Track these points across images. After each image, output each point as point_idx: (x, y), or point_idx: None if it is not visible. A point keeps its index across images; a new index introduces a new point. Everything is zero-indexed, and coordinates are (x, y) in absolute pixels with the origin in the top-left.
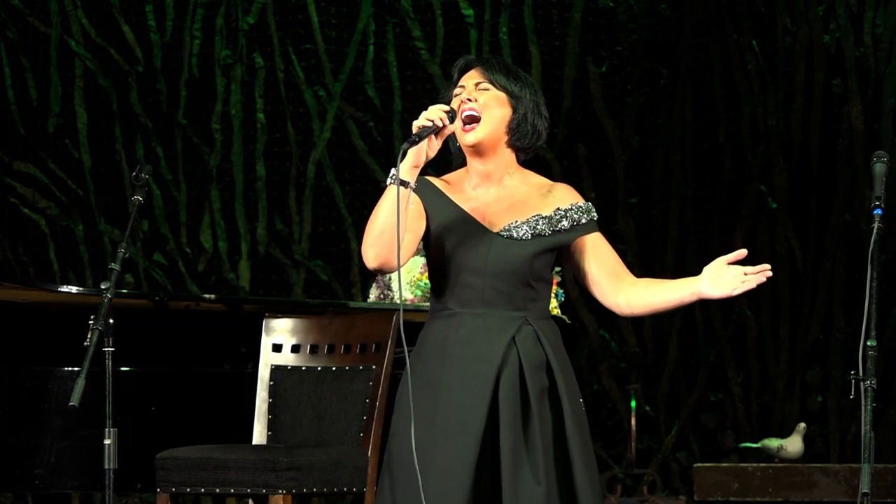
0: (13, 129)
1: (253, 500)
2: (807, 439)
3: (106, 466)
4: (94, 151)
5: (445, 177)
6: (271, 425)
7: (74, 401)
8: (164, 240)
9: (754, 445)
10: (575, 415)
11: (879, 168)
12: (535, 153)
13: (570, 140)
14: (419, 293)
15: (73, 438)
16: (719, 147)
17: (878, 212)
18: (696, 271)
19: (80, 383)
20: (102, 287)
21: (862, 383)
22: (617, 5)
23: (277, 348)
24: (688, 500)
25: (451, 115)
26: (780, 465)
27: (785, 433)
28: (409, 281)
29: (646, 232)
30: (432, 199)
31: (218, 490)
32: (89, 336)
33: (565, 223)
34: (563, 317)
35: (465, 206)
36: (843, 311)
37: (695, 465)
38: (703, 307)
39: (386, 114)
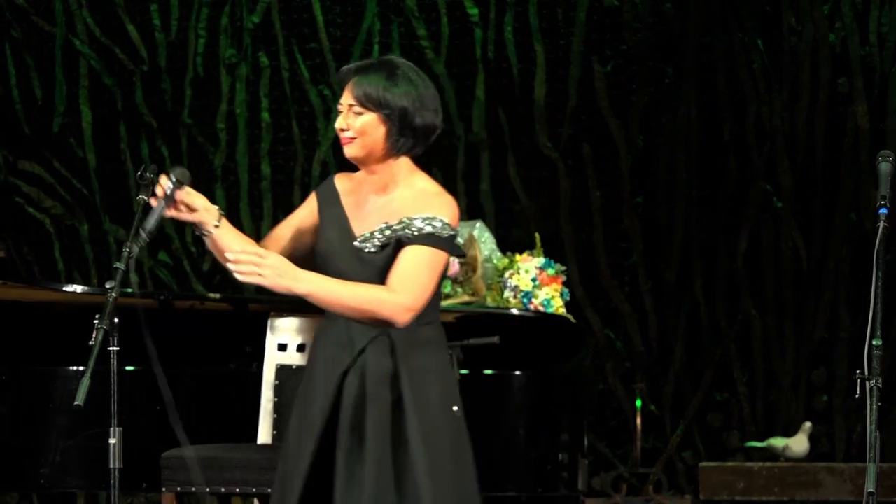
0: (18, 128)
1: (258, 500)
2: (812, 439)
3: (111, 466)
4: (98, 151)
5: (358, 174)
6: (276, 425)
7: (79, 400)
8: (169, 239)
9: (760, 445)
10: (424, 427)
11: (885, 167)
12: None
13: (576, 139)
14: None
15: (78, 438)
16: (724, 146)
17: (883, 211)
18: (701, 270)
19: (85, 383)
20: (107, 286)
21: (867, 382)
22: (622, 4)
23: (282, 348)
24: (693, 500)
25: (174, 186)
26: (785, 464)
27: (790, 432)
28: None
29: (651, 231)
30: (326, 204)
31: (223, 489)
32: (94, 335)
33: (400, 233)
34: (569, 316)
35: (351, 212)
36: (849, 311)
37: (700, 464)
38: (708, 307)
39: None
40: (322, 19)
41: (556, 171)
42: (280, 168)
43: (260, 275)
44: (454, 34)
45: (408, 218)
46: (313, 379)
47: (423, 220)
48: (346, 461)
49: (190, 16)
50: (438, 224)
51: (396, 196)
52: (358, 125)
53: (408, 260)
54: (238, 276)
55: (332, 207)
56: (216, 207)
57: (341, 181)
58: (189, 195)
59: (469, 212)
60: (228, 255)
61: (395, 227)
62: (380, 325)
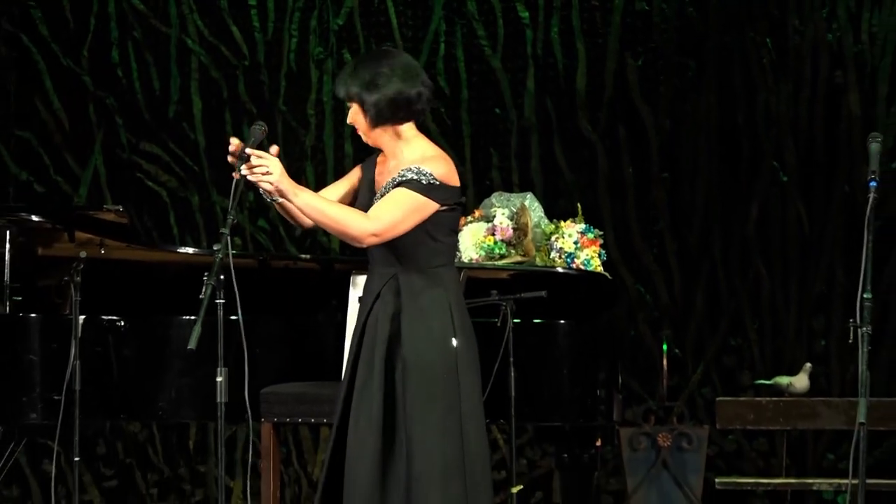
0: (139, 115)
1: None
2: (812, 377)
3: (218, 400)
4: (207, 133)
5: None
6: None
7: (192, 345)
8: (267, 208)
9: (767, 382)
10: (416, 357)
11: (874, 147)
12: (426, 106)
13: (612, 124)
14: (482, 253)
15: (190, 376)
16: (738, 130)
17: (872, 184)
18: (718, 235)
19: (197, 330)
20: (214, 248)
21: (859, 329)
22: (651, 8)
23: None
24: (711, 429)
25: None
26: (789, 399)
27: (793, 372)
28: (474, 243)
29: (676, 201)
30: (364, 174)
31: (313, 420)
32: (204, 290)
33: (396, 181)
34: (606, 273)
35: (379, 178)
36: (844, 269)
37: (717, 398)
38: (724, 266)
39: (454, 101)
40: (396, 22)
41: (595, 150)
42: (361, 148)
43: (270, 172)
44: (508, 34)
45: (403, 169)
46: (354, 324)
47: (409, 170)
48: (361, 392)
49: (284, 18)
50: (422, 173)
51: (404, 158)
52: (350, 117)
53: (388, 197)
54: (251, 177)
55: (367, 175)
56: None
57: (379, 157)
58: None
59: (521, 185)
60: (242, 160)
61: (395, 178)
62: (350, 242)
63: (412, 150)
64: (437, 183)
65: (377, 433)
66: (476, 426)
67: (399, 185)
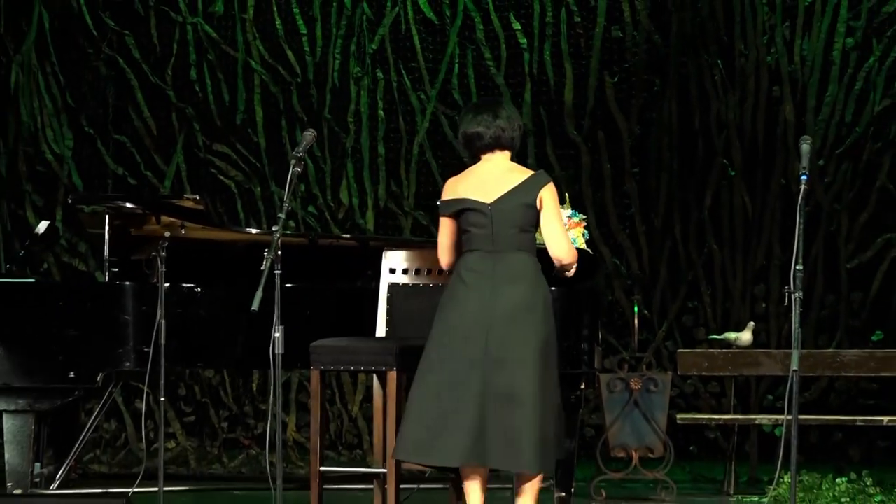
0: (212, 121)
1: (377, 376)
2: (755, 333)
3: (276, 351)
4: (267, 137)
5: None
6: (388, 324)
7: (255, 307)
8: (315, 197)
9: (718, 337)
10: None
11: (805, 147)
12: (494, 143)
13: (593, 129)
14: None
15: (253, 332)
16: (695, 133)
17: (804, 177)
18: (679, 218)
19: (259, 295)
20: (273, 229)
21: (792, 295)
22: (624, 36)
23: (392, 271)
24: (673, 375)
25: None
26: (736, 350)
27: (740, 329)
28: None
29: (645, 191)
30: None
31: (353, 368)
32: (264, 263)
33: None
34: (588, 249)
35: None
36: (780, 246)
37: (678, 350)
38: (683, 244)
39: None
40: (419, 46)
41: (579, 150)
42: (391, 149)
43: None
44: (510, 57)
45: None
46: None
47: None
48: None
49: (329, 44)
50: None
51: None
52: None
53: None
54: None
55: None
56: None
57: None
58: None
59: None
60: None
61: None
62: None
63: None
64: (439, 204)
65: None
66: (430, 350)
67: None
